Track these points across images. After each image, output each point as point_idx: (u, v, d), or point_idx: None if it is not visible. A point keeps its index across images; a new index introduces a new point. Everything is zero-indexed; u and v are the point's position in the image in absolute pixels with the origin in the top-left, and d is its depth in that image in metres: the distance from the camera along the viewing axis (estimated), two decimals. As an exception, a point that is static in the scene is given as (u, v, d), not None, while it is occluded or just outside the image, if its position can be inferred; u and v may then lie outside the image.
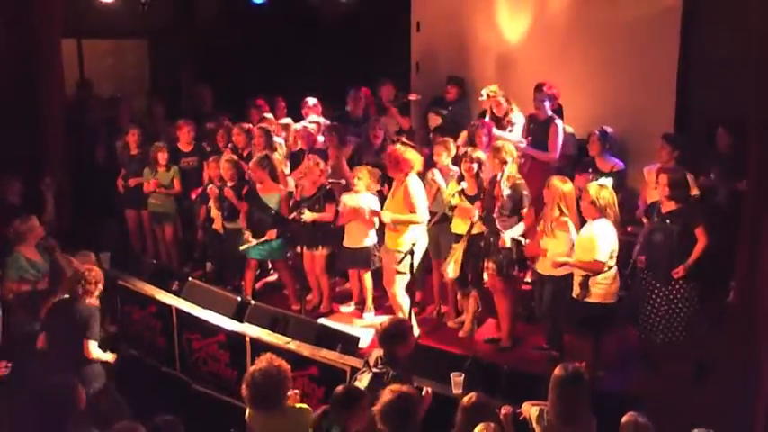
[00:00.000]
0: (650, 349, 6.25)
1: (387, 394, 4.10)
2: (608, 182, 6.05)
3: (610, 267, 5.77)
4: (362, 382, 4.71)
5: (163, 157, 8.21)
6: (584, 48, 8.46)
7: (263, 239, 7.26)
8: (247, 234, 7.38)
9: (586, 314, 5.81)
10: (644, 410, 4.23)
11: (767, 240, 5.09)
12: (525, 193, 6.42)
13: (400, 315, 6.43)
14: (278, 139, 8.36)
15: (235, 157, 7.80)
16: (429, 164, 7.10)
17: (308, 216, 7.04)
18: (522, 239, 6.33)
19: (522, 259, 6.47)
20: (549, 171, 7.15)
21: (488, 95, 8.09)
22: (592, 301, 5.78)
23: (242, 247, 7.35)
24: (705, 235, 5.88)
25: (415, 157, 6.66)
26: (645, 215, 6.34)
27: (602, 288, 5.76)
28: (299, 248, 7.28)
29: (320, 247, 7.34)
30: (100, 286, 5.44)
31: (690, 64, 7.81)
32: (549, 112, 7.65)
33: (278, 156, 7.94)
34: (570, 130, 7.97)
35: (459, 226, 6.74)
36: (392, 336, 4.78)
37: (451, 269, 6.58)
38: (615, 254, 5.80)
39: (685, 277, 5.93)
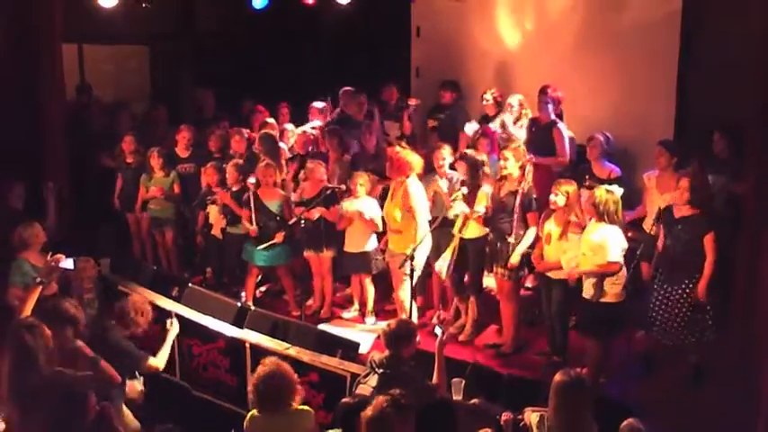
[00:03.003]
0: (653, 353, 6.23)
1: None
2: (619, 191, 5.95)
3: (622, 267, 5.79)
4: (369, 383, 4.72)
5: (156, 162, 8.16)
6: (584, 53, 8.45)
7: (272, 242, 7.21)
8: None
9: (601, 315, 5.82)
10: (645, 417, 4.22)
11: (767, 244, 5.10)
12: (534, 197, 6.40)
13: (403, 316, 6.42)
14: (281, 144, 8.36)
15: (240, 162, 7.74)
16: (427, 165, 7.08)
17: (314, 212, 7.04)
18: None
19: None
20: (553, 175, 7.12)
21: (494, 98, 8.11)
22: (606, 301, 5.80)
23: (261, 254, 7.22)
24: (714, 244, 5.73)
25: (415, 160, 6.67)
26: (656, 221, 6.23)
27: (616, 288, 5.78)
28: (305, 252, 7.30)
29: (325, 250, 7.33)
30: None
31: (690, 69, 7.79)
32: (552, 116, 7.57)
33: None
34: (570, 134, 7.95)
35: (471, 230, 6.67)
36: (399, 337, 4.81)
37: (444, 268, 6.57)
38: (624, 253, 5.81)
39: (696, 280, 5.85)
